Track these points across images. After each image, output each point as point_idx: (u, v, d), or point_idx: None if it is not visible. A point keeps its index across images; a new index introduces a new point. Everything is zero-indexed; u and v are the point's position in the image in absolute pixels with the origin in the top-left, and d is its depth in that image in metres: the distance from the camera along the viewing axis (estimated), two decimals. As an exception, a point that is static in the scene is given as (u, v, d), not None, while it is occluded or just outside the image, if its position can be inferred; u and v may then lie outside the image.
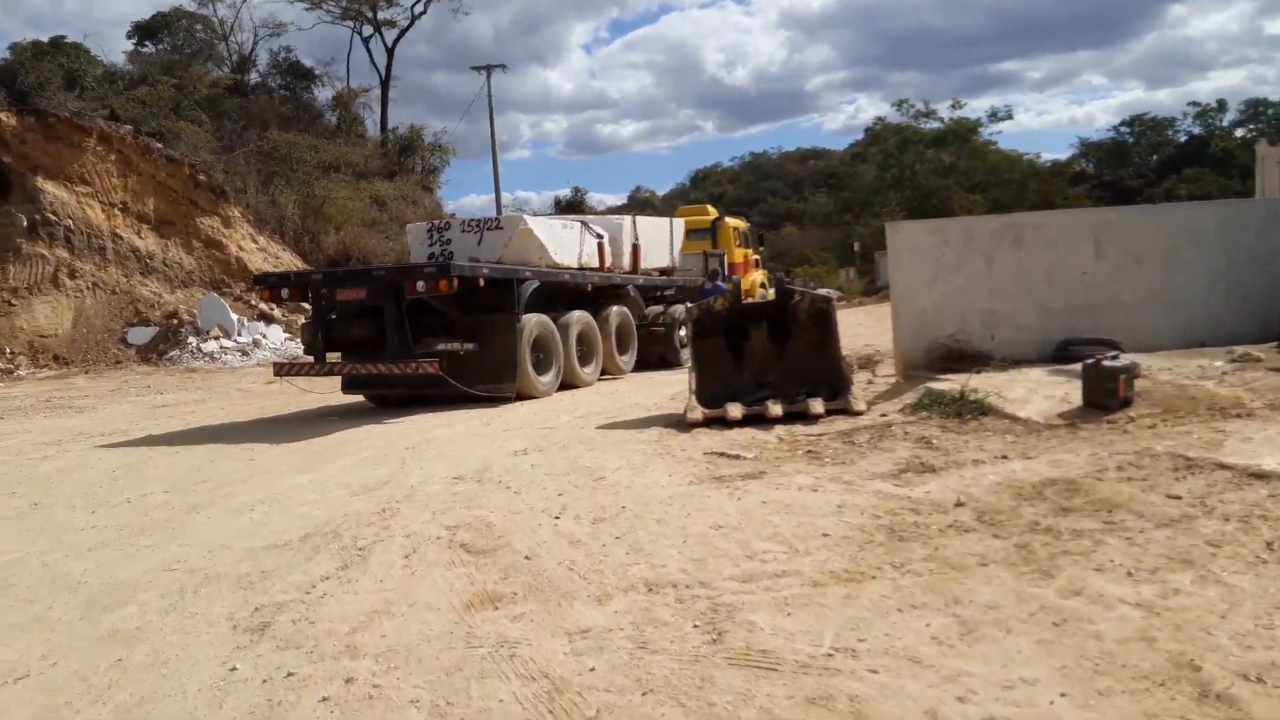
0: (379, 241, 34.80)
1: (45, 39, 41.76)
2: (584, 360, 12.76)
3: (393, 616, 4.15)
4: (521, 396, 11.28)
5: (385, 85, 48.97)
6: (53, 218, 27.43)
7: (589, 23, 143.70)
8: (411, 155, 47.99)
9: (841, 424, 7.75)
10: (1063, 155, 62.63)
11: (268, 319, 27.05)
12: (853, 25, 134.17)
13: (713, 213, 20.90)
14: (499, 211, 41.03)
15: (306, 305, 11.96)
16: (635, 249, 14.68)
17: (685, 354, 15.71)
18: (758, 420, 8.05)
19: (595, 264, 13.53)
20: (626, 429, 8.46)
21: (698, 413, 8.16)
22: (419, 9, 47.19)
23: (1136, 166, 65.80)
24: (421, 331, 10.71)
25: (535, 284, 11.75)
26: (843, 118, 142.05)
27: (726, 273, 18.20)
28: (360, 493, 6.64)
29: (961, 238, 9.09)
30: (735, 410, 8.10)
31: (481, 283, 10.76)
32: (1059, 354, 9.07)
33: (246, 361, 24.00)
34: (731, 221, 20.61)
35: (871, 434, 7.12)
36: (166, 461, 8.67)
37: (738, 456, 6.70)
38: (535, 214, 12.64)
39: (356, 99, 48.27)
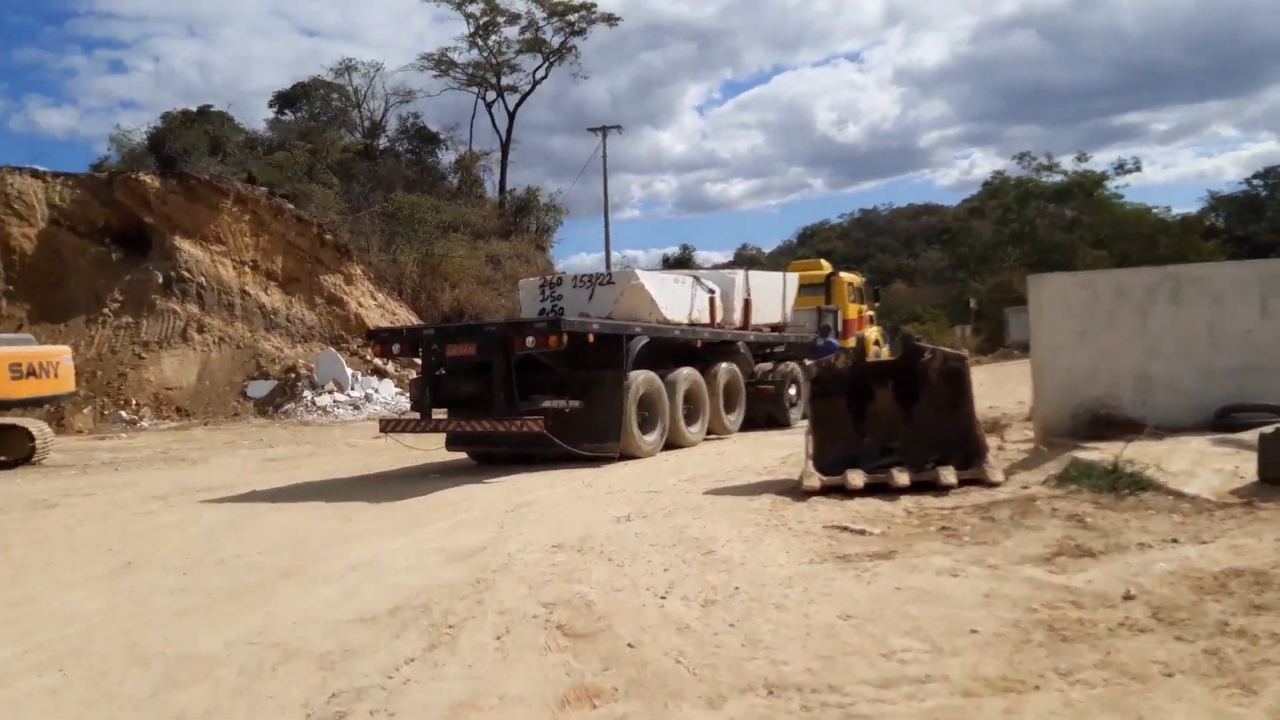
0: (492, 299, 35.35)
1: (194, 108, 44.62)
2: (690, 419, 12.28)
3: (479, 710, 3.71)
4: (625, 456, 10.86)
5: (505, 148, 50.36)
6: (187, 274, 28.77)
7: (702, 84, 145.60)
8: (527, 215, 49.08)
9: (976, 496, 7.03)
10: (1192, 209, 59.46)
11: (380, 374, 27.54)
12: (969, 79, 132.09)
13: (827, 267, 20.30)
14: (608, 269, 41.22)
15: (418, 360, 11.88)
16: (747, 304, 14.21)
17: (794, 414, 15.11)
18: (881, 490, 7.39)
19: (706, 319, 13.10)
20: (736, 495, 7.90)
21: (814, 480, 7.55)
22: (540, 74, 48.46)
23: (1271, 221, 61.93)
24: (528, 388, 10.43)
25: (644, 340, 11.37)
26: (956, 173, 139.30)
27: (840, 329, 17.54)
28: (455, 560, 6.28)
29: (1113, 292, 8.30)
30: (856, 478, 7.46)
31: (591, 338, 10.45)
32: (1219, 421, 8.13)
33: (357, 416, 24.38)
34: (846, 276, 19.95)
35: (1013, 509, 6.38)
36: (266, 520, 8.52)
37: (863, 532, 6.06)
38: (646, 269, 12.39)
39: (477, 162, 49.78)
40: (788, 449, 11.16)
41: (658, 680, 3.88)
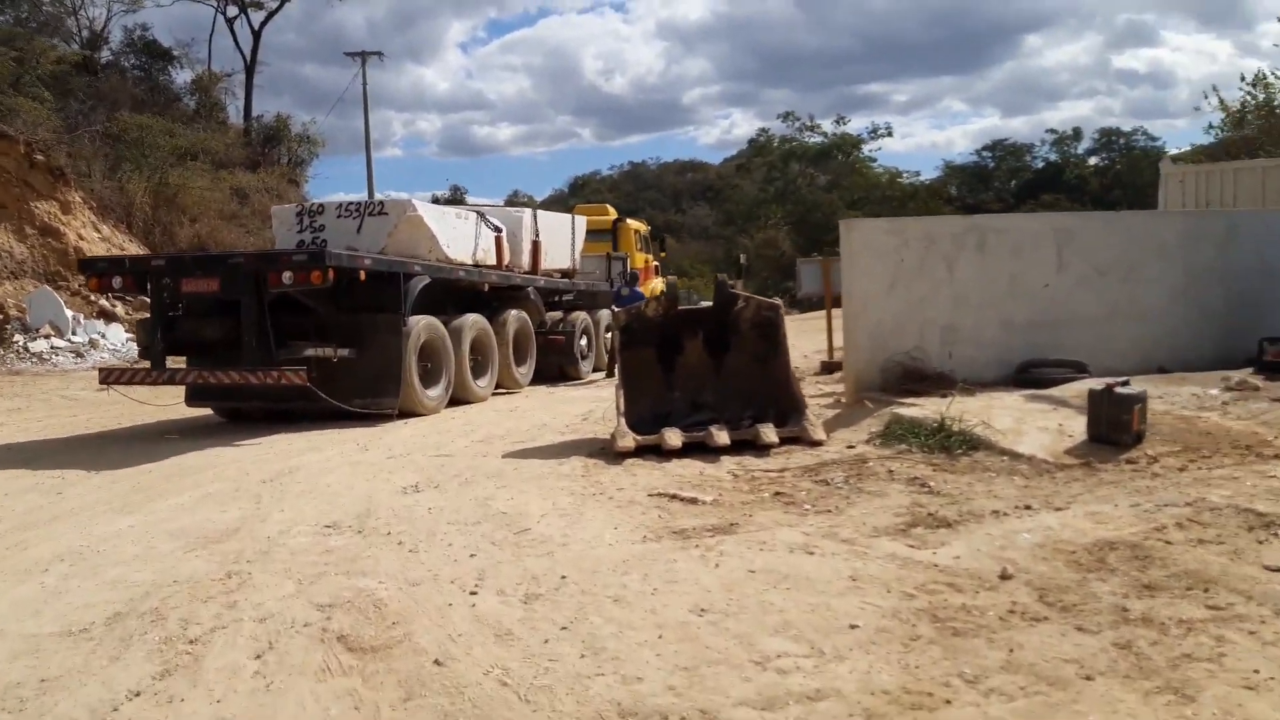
0: (239, 236, 32.17)
1: None
2: (478, 371, 11.21)
3: (231, 781, 2.64)
4: (404, 413, 9.66)
5: (250, 71, 45.89)
6: None
7: (466, 21, 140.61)
8: (277, 146, 45.40)
9: (801, 456, 6.53)
10: (929, 177, 64.36)
11: (108, 316, 24.21)
12: (729, 39, 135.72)
13: (613, 213, 19.57)
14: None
15: (147, 299, 9.97)
16: (536, 246, 13.20)
17: (585, 366, 14.38)
18: (699, 449, 6.75)
19: (492, 261, 11.99)
20: (542, 458, 7.01)
21: (629, 440, 6.79)
22: (290, -10, 44.31)
23: (996, 190, 68.23)
24: (286, 333, 8.97)
25: (425, 280, 10.14)
26: (717, 132, 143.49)
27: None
28: (199, 546, 4.99)
29: (923, 239, 8.05)
30: (674, 438, 6.77)
31: (362, 276, 9.11)
32: (1020, 376, 8.14)
33: (80, 364, 21.23)
34: (633, 223, 19.33)
35: (846, 471, 5.90)
36: (-58, 494, 6.72)
37: (694, 500, 5.35)
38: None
39: (218, 83, 45.05)
40: (586, 404, 10.39)
41: (480, 713, 2.96)
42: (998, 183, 70.42)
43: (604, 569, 4.22)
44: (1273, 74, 24.18)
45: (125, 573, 4.56)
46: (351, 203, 10.62)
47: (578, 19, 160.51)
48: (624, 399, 7.26)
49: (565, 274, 14.75)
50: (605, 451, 7.02)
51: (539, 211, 13.90)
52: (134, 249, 29.05)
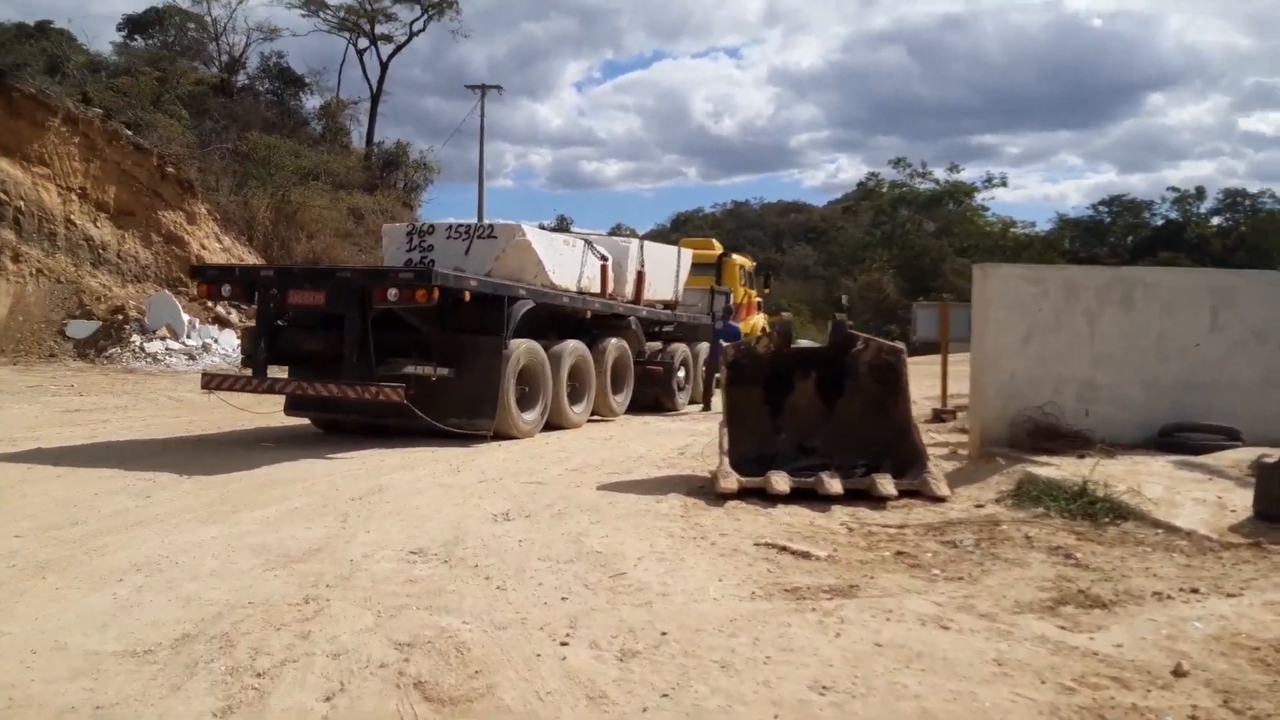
0: (352, 254, 33.04)
1: (31, 23, 39.90)
2: (574, 398, 10.93)
3: None
4: (499, 435, 9.42)
5: (375, 99, 47.55)
6: (3, 197, 25.34)
7: (583, 61, 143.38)
8: (395, 171, 46.86)
9: (923, 512, 5.97)
10: (1041, 229, 62.21)
11: (222, 322, 24.98)
12: (840, 87, 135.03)
13: (719, 248, 19.23)
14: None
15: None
16: (640, 277, 12.92)
17: (682, 398, 13.99)
18: (808, 496, 6.26)
19: (596, 289, 11.74)
20: (638, 493, 6.61)
21: (732, 480, 6.34)
22: (417, 26, 45.85)
23: (1112, 246, 65.58)
24: (387, 349, 8.84)
25: (529, 305, 9.92)
26: (823, 175, 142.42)
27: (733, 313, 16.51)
28: (279, 565, 4.75)
29: (1063, 290, 7.41)
30: (781, 482, 6.29)
31: (467, 297, 8.93)
32: (1164, 440, 7.39)
33: (192, 367, 21.87)
34: (738, 259, 18.94)
35: (976, 533, 5.33)
36: (40, 488, 6.71)
37: (806, 555, 4.87)
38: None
39: (344, 110, 46.81)
40: (683, 437, 9.99)
41: (568, 793, 2.56)
42: (1113, 238, 67.77)
43: (708, 628, 3.78)
44: None
45: (200, 589, 4.33)
46: (461, 225, 10.52)
47: (691, 63, 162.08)
48: (728, 437, 6.82)
49: (668, 305, 14.43)
50: (705, 491, 6.58)
51: (645, 242, 13.65)
52: (253, 259, 30.06)
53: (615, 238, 13.54)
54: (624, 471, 7.59)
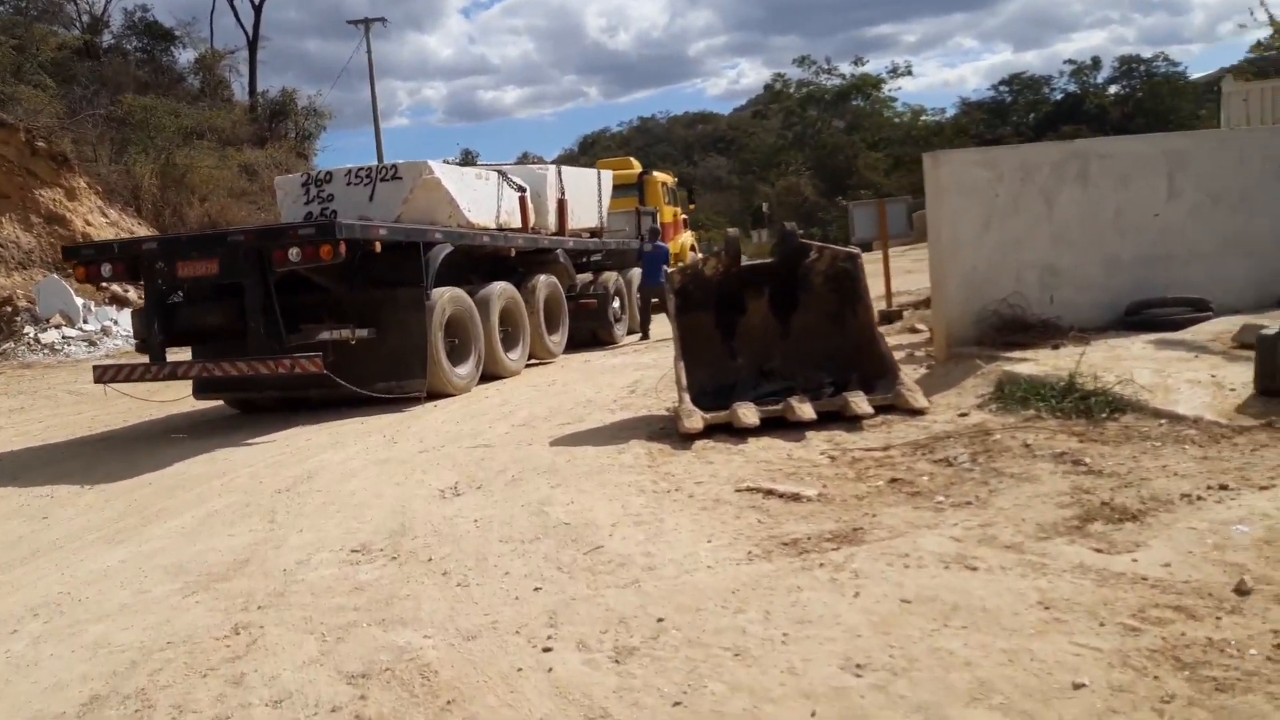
0: (250, 212, 31.41)
1: None
2: (509, 344, 10.26)
3: None
4: (433, 395, 8.74)
5: (253, 46, 45.00)
6: None
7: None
8: (284, 120, 44.76)
9: (904, 428, 5.55)
10: (949, 115, 62.33)
11: (120, 302, 23.46)
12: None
13: (637, 166, 18.42)
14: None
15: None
16: (562, 205, 12.17)
17: (619, 329, 13.42)
18: (777, 425, 5.79)
19: (517, 223, 10.98)
20: (596, 444, 6.06)
21: (696, 419, 5.82)
22: (288, -37, 43.17)
23: (1015, 125, 66.11)
24: (298, 315, 8.05)
25: (447, 248, 9.16)
26: (724, 83, 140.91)
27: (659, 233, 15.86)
28: (200, 587, 4.10)
29: (1018, 171, 6.95)
30: (749, 414, 5.80)
31: (377, 248, 8.14)
32: (1132, 319, 7.08)
33: (94, 353, 20.51)
34: (659, 175, 18.18)
35: (969, 446, 4.92)
36: (-85, 523, 5.88)
37: (796, 496, 4.39)
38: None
39: (221, 60, 44.25)
40: (630, 373, 9.44)
41: None
42: (1015, 117, 68.32)
43: (710, 605, 3.27)
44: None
45: (109, 631, 3.68)
46: (362, 168, 9.61)
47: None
48: (684, 371, 6.28)
49: (593, 233, 13.73)
50: (668, 433, 6.06)
51: (563, 167, 12.83)
52: (144, 231, 28.28)
53: (530, 166, 12.70)
54: (576, 420, 7.02)
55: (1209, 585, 3.06)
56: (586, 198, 13.35)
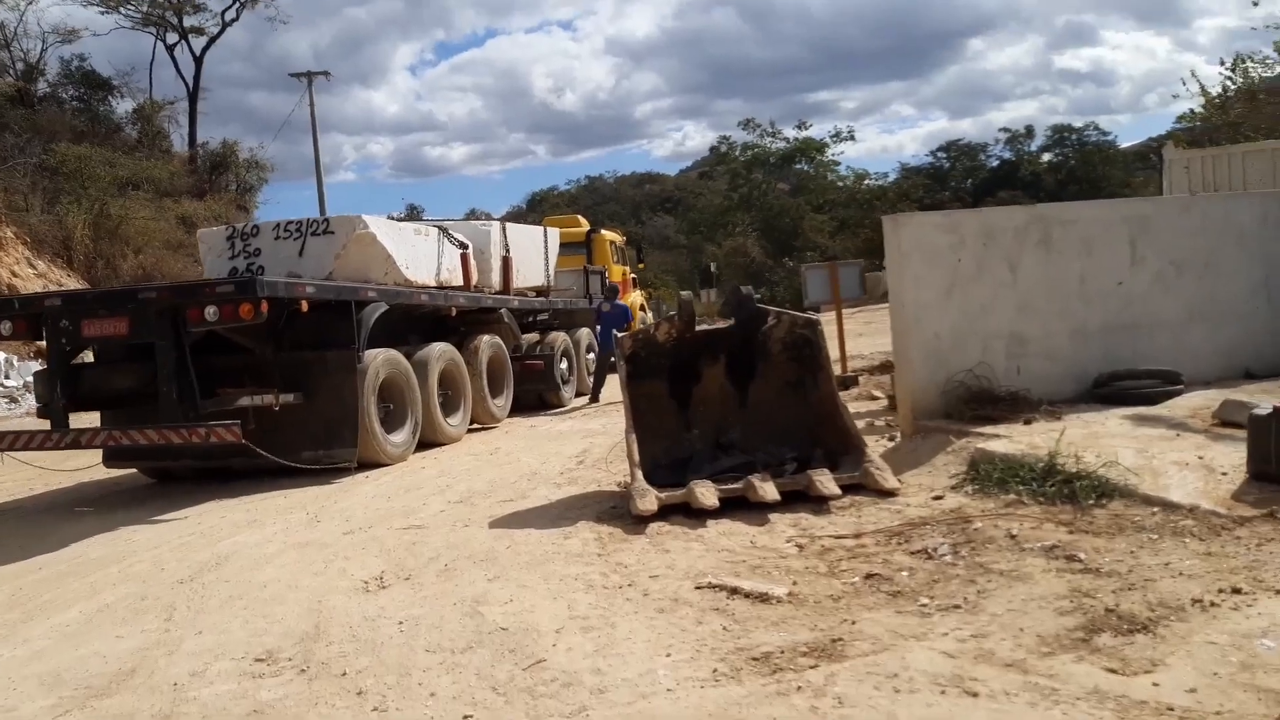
0: (187, 265, 30.45)
1: None
2: (448, 408, 9.70)
3: None
4: (365, 464, 8.14)
5: (194, 97, 44.36)
6: None
7: (413, 44, 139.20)
8: (224, 173, 44.12)
9: (875, 512, 5.13)
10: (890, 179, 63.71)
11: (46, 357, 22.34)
12: (677, 54, 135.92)
13: (585, 224, 18.10)
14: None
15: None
16: (507, 263, 11.72)
17: (567, 392, 12.93)
18: (737, 505, 5.34)
19: (459, 281, 10.50)
20: (540, 525, 5.53)
21: (650, 500, 5.33)
22: (230, 15, 42.75)
23: (954, 190, 67.77)
24: (217, 378, 7.44)
25: (382, 308, 8.62)
26: (670, 144, 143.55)
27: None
28: (77, 704, 3.50)
29: (979, 236, 6.69)
30: (707, 494, 5.34)
31: (304, 306, 7.58)
32: (1100, 390, 6.82)
33: (15, 410, 19.45)
34: (608, 233, 17.89)
35: (949, 536, 4.51)
36: None
37: (765, 597, 3.92)
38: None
39: (160, 111, 43.44)
40: (577, 440, 8.94)
41: None
42: (954, 182, 70.02)
43: (674, 743, 2.77)
44: (1249, 59, 23.52)
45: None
46: (291, 222, 9.07)
47: (525, 38, 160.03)
48: (635, 444, 5.81)
49: (540, 292, 13.30)
50: (620, 512, 5.57)
51: (508, 224, 12.42)
52: (73, 283, 27.23)
53: (474, 222, 12.24)
54: (519, 496, 6.49)
55: (1245, 717, 2.65)
56: (533, 255, 12.94)
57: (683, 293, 6.45)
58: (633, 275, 18.81)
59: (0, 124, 34.26)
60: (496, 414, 10.85)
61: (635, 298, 18.37)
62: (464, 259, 10.58)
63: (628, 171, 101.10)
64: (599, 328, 13.09)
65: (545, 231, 13.60)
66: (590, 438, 9.01)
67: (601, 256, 16.95)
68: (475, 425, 10.43)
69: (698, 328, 6.40)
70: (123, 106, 42.79)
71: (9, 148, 32.07)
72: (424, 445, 9.14)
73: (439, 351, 9.52)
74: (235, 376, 7.64)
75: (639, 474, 5.60)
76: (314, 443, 7.90)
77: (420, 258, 9.81)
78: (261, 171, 44.95)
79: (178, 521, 6.64)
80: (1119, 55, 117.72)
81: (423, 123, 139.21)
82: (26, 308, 7.40)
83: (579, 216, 18.49)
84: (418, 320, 10.00)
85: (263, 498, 7.22)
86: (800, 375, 6.54)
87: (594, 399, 12.86)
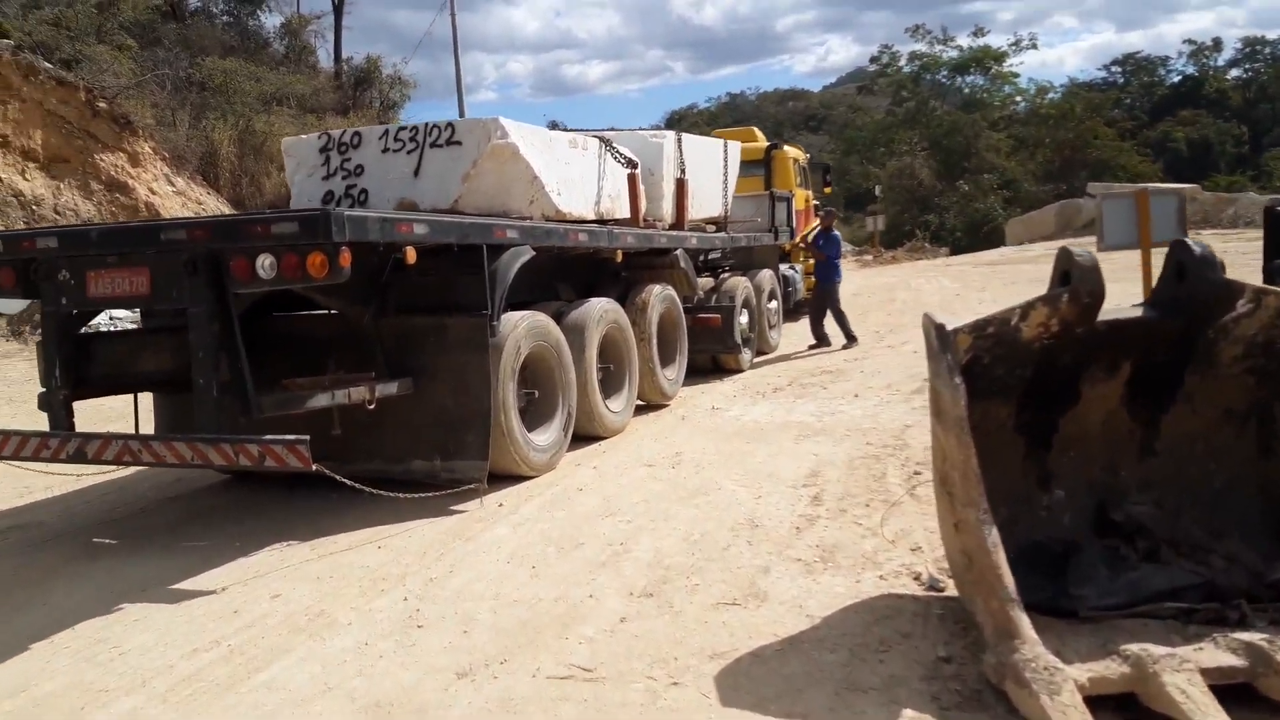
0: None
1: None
2: (610, 388, 7.13)
3: None
4: (497, 475, 5.65)
5: (339, 11, 43.16)
6: (-104, 154, 21.31)
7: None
8: (369, 89, 42.84)
9: None
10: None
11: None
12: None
13: (761, 138, 15.02)
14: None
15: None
16: (681, 187, 8.92)
17: (746, 354, 10.22)
18: (1236, 694, 2.52)
19: (625, 213, 7.81)
20: (820, 706, 2.86)
21: (1066, 705, 2.56)
22: (379, -71, 40.79)
23: (1128, 109, 60.68)
24: (284, 357, 5.05)
25: (526, 253, 6.01)
26: (813, 59, 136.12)
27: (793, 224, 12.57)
28: None
29: None
30: (1186, 693, 2.52)
31: (411, 256, 5.04)
32: None
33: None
34: (791, 150, 14.77)
35: None
36: None
37: None
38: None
39: (307, 26, 42.46)
40: (789, 445, 6.21)
41: None
42: (1129, 99, 62.84)
43: None
44: None
45: None
46: (403, 128, 6.52)
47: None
48: (999, 556, 3.01)
49: (716, 224, 10.48)
50: (967, 690, 2.83)
51: (684, 136, 9.53)
52: (212, 202, 26.11)
53: (642, 132, 9.40)
54: (745, 590, 3.80)
55: None
56: (710, 177, 10.09)
57: (1078, 252, 3.46)
58: (815, 202, 15.69)
59: (152, 38, 33.56)
60: (668, 390, 8.20)
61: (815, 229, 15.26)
62: (631, 182, 7.85)
63: (770, 88, 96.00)
64: (813, 265, 11.42)
65: (725, 145, 10.64)
66: (808, 440, 6.29)
67: (783, 178, 13.90)
68: (640, 402, 7.83)
69: (1098, 317, 3.46)
70: (271, 22, 42.02)
71: (161, 63, 31.29)
72: (578, 438, 6.61)
73: (600, 311, 6.89)
74: (312, 354, 5.24)
75: (1021, 627, 2.80)
76: (427, 449, 5.44)
77: (576, 180, 7.14)
78: (405, 88, 43.64)
79: (201, 600, 4.23)
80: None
81: (561, 40, 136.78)
82: (11, 250, 5.09)
83: (755, 130, 15.38)
84: (569, 267, 7.42)
85: (343, 550, 4.76)
86: (1258, 402, 3.58)
87: (851, 338, 11.08)
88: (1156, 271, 3.76)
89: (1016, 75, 50.34)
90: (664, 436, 6.97)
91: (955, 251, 33.53)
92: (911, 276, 19.89)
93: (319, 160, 6.72)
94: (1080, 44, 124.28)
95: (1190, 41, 66.17)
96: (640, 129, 9.54)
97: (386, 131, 6.56)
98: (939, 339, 3.32)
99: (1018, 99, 50.85)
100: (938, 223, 41.67)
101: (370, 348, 5.41)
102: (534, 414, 6.07)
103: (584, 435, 6.76)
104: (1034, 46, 53.52)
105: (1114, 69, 66.39)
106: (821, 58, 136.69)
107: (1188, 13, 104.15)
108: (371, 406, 4.99)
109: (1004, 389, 3.62)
